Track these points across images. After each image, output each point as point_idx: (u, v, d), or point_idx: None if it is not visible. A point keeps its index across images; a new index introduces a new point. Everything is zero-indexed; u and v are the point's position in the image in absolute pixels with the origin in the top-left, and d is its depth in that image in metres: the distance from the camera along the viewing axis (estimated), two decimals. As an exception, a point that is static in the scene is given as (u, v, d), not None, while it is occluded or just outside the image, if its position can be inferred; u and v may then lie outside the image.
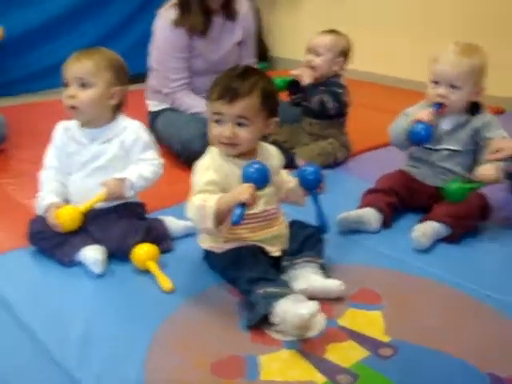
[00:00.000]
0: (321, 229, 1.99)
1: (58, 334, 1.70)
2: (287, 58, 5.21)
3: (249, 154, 1.90)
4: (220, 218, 1.74)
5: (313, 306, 1.63)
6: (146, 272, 1.98)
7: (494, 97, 3.32)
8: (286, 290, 1.74)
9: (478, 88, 2.30)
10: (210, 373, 1.55)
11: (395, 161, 2.55)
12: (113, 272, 2.02)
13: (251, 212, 1.84)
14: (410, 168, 2.45)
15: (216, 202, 1.74)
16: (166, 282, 1.91)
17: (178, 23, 3.00)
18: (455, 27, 4.08)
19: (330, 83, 2.95)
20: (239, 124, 1.84)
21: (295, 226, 2.03)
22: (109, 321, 1.78)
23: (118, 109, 2.16)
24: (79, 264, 2.02)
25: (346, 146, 3.03)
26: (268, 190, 1.87)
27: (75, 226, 2.03)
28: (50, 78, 3.86)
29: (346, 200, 2.43)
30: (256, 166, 1.75)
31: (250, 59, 3.27)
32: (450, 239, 2.20)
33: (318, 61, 2.94)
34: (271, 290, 1.73)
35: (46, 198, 2.08)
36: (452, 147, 2.34)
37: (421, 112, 2.30)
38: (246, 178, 1.74)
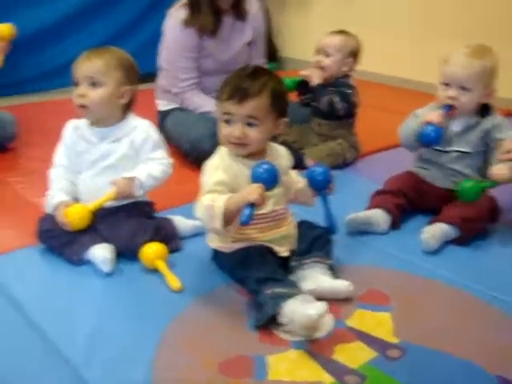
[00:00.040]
0: (329, 229, 1.99)
1: (66, 332, 1.71)
2: (296, 59, 5.21)
3: (258, 154, 1.90)
4: (228, 218, 1.74)
5: (321, 306, 1.63)
6: (155, 271, 1.99)
7: (505, 99, 3.30)
8: (294, 290, 1.74)
9: (488, 90, 2.30)
10: (218, 372, 1.55)
11: (404, 162, 2.54)
12: (121, 271, 2.02)
13: (260, 212, 1.84)
14: (419, 169, 2.45)
15: (225, 202, 1.74)
16: (174, 282, 1.92)
17: (187, 23, 3.00)
18: (466, 29, 4.06)
19: (339, 84, 2.95)
20: (249, 124, 1.84)
21: (304, 226, 2.03)
22: (117, 320, 1.78)
23: (127, 108, 2.16)
24: (88, 262, 2.03)
25: (355, 146, 3.03)
26: (277, 191, 1.87)
27: (84, 225, 2.04)
28: (61, 76, 3.88)
29: (355, 201, 2.43)
30: (265, 166, 1.75)
31: (259, 59, 3.27)
32: (458, 241, 2.20)
33: (327, 61, 2.94)
34: (279, 290, 1.73)
35: (55, 196, 2.08)
36: (462, 149, 2.34)
37: (431, 114, 2.29)
38: (255, 179, 1.74)
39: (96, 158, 2.11)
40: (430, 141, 2.29)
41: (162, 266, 1.98)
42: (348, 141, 2.98)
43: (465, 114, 2.32)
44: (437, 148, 2.36)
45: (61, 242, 2.05)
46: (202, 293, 1.90)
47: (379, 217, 2.28)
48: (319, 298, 1.72)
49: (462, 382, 1.55)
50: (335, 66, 2.94)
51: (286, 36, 5.45)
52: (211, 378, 1.54)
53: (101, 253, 2.00)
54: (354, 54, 2.97)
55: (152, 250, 2.00)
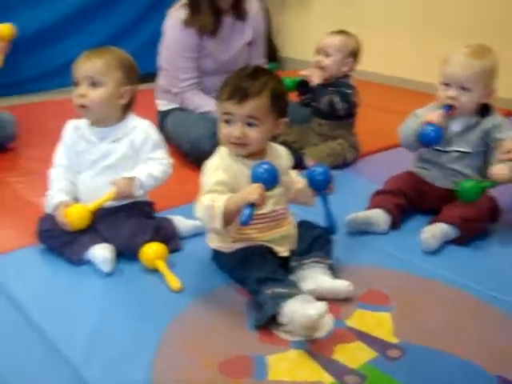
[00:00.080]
0: (329, 229, 1.99)
1: (66, 332, 1.71)
2: (296, 59, 5.21)
3: (258, 154, 1.90)
4: (228, 218, 1.74)
5: (321, 306, 1.63)
6: (155, 271, 1.99)
7: (505, 99, 3.30)
8: (294, 290, 1.74)
9: (488, 90, 2.30)
10: (218, 372, 1.55)
11: (404, 162, 2.54)
12: (121, 271, 2.02)
13: (260, 212, 1.84)
14: (419, 169, 2.45)
15: (225, 202, 1.74)
16: (174, 282, 1.92)
17: (187, 23, 3.01)
18: (466, 29, 4.06)
19: (339, 84, 2.95)
20: (249, 124, 1.84)
21: (303, 226, 2.03)
22: (117, 320, 1.78)
23: (127, 108, 2.16)
24: (88, 262, 2.03)
25: (355, 146, 3.03)
26: (277, 191, 1.87)
27: (84, 225, 2.03)
28: (61, 76, 3.88)
29: (355, 201, 2.43)
30: (265, 166, 1.75)
31: (259, 59, 3.27)
32: (458, 241, 2.20)
33: (327, 61, 2.94)
34: (279, 290, 1.73)
35: (55, 196, 2.08)
36: (462, 149, 2.34)
37: (431, 113, 2.29)
38: (255, 179, 1.73)
39: (96, 158, 2.11)
40: (429, 141, 2.29)
41: (162, 266, 1.98)
42: (348, 141, 2.98)
43: (465, 114, 2.32)
44: (437, 148, 2.36)
45: (61, 241, 2.05)
46: (202, 293, 1.90)
47: (379, 217, 2.28)
48: (319, 298, 1.72)
49: (461, 381, 1.55)
50: (335, 66, 2.94)
51: (285, 36, 5.45)
52: (211, 377, 1.54)
53: (101, 253, 2.00)
54: (354, 54, 2.97)
55: (152, 250, 2.00)
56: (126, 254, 2.06)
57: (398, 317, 1.79)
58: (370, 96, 3.45)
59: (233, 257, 1.92)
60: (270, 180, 1.74)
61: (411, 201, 2.38)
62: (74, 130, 2.15)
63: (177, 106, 3.15)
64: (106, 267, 1.98)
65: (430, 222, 2.23)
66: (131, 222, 2.09)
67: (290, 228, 1.99)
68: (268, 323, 1.70)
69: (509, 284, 1.97)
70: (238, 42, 3.16)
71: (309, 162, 2.80)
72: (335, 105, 2.89)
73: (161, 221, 2.18)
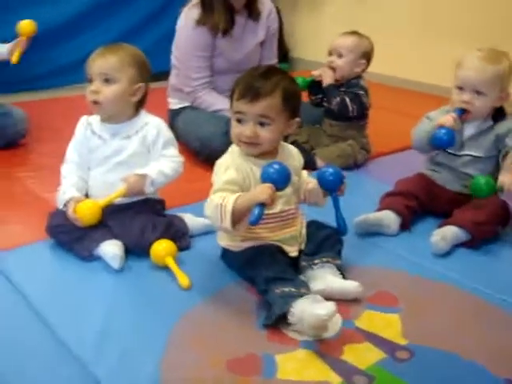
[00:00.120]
0: (340, 230, 1.98)
1: (75, 329, 1.71)
2: (308, 60, 5.21)
3: (269, 153, 1.90)
4: (238, 217, 1.74)
5: (330, 306, 1.62)
6: (164, 268, 1.99)
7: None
8: (303, 289, 1.74)
9: (502, 94, 2.29)
10: (226, 370, 1.55)
11: (415, 164, 2.54)
12: (131, 267, 2.02)
13: (270, 212, 1.84)
14: (430, 172, 2.44)
15: (234, 201, 1.73)
16: (183, 279, 1.92)
17: (200, 22, 3.01)
18: (479, 31, 4.05)
19: (351, 85, 2.95)
20: (261, 124, 1.84)
21: (313, 226, 2.03)
22: (126, 316, 1.78)
23: (139, 105, 2.17)
24: (98, 259, 2.03)
25: (366, 148, 3.02)
26: (287, 191, 1.86)
27: (95, 221, 2.04)
28: (74, 73, 3.88)
29: (365, 202, 2.42)
30: (276, 166, 1.74)
31: (271, 60, 3.28)
32: (469, 244, 2.19)
33: (339, 62, 2.94)
34: (289, 289, 1.73)
35: (66, 191, 2.09)
36: (474, 153, 2.33)
37: (444, 117, 2.28)
38: (266, 179, 1.73)
39: (107, 154, 2.12)
40: (442, 144, 2.27)
41: (171, 263, 1.98)
42: (359, 142, 2.98)
43: (478, 118, 2.31)
44: (449, 151, 2.35)
45: (71, 237, 2.06)
46: (210, 291, 1.90)
47: (389, 218, 2.27)
48: (328, 299, 1.72)
49: (470, 384, 1.55)
50: (347, 67, 2.94)
51: (297, 37, 5.45)
52: (219, 375, 1.54)
53: (110, 249, 2.01)
54: (367, 56, 2.96)
55: (162, 247, 2.00)
56: (136, 250, 2.07)
57: (406, 318, 1.78)
58: (381, 98, 3.45)
59: (242, 256, 1.92)
60: (280, 180, 1.73)
61: (422, 203, 2.37)
62: (87, 126, 2.16)
63: (188, 104, 3.16)
64: (115, 264, 1.98)
65: (441, 225, 2.23)
66: (141, 218, 2.09)
67: (299, 228, 1.99)
68: (277, 322, 1.70)
69: (518, 288, 1.97)
70: (250, 42, 3.16)
71: (319, 162, 2.80)
72: (346, 106, 2.89)
73: (171, 218, 2.18)
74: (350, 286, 1.86)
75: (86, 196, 2.13)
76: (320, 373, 1.55)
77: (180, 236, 2.13)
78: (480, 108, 2.28)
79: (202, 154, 2.88)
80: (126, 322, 1.76)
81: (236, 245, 1.95)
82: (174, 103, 3.23)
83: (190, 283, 1.91)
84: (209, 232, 2.18)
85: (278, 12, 3.57)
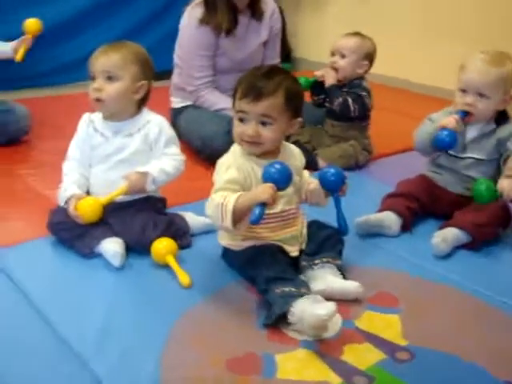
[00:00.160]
0: (341, 231, 1.98)
1: (76, 326, 1.71)
2: (311, 60, 5.20)
3: (271, 153, 1.90)
4: (239, 216, 1.74)
5: (331, 306, 1.63)
6: (164, 267, 1.99)
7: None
8: (304, 289, 1.74)
9: (506, 97, 2.28)
10: (225, 369, 1.55)
11: (417, 166, 2.54)
12: (131, 265, 2.02)
13: (271, 212, 1.84)
14: (432, 174, 2.44)
15: (235, 200, 1.73)
16: (184, 278, 1.92)
17: (203, 21, 3.01)
18: (481, 33, 4.04)
19: (353, 85, 2.95)
20: (263, 123, 1.84)
21: (314, 226, 2.03)
22: (127, 314, 1.79)
23: (142, 103, 2.17)
24: (99, 256, 2.03)
25: (368, 149, 3.02)
26: (289, 190, 1.86)
27: (96, 218, 2.04)
28: (77, 71, 3.89)
29: (367, 203, 2.42)
30: (277, 166, 1.74)
31: (274, 60, 3.28)
32: (469, 246, 2.19)
33: (341, 63, 2.93)
34: (289, 289, 1.73)
35: (67, 189, 2.09)
36: (476, 156, 2.33)
37: (446, 118, 2.28)
38: (267, 178, 1.73)
39: (109, 152, 2.12)
40: (444, 145, 2.27)
41: (172, 261, 1.98)
42: (360, 143, 2.98)
43: (481, 121, 2.31)
44: (452, 154, 2.35)
45: (72, 234, 2.06)
46: (211, 290, 1.91)
47: (391, 219, 2.27)
48: (328, 299, 1.72)
49: (470, 386, 1.55)
50: (349, 68, 2.94)
51: (300, 37, 5.44)
52: (219, 374, 1.54)
53: (111, 247, 2.01)
54: (370, 57, 2.96)
55: (163, 246, 2.00)
56: (137, 248, 2.07)
57: (406, 319, 1.78)
58: (383, 99, 3.45)
59: (242, 255, 1.92)
60: (281, 180, 1.73)
61: (423, 204, 2.37)
62: (89, 123, 2.16)
63: (190, 103, 3.16)
64: (116, 261, 1.99)
65: (441, 227, 2.23)
66: (142, 216, 2.09)
67: (300, 228, 1.99)
68: (277, 322, 1.70)
69: (519, 290, 1.97)
70: (253, 42, 3.16)
71: (321, 163, 2.80)
72: (348, 106, 2.89)
73: (172, 217, 2.18)
74: (351, 286, 1.86)
75: (88, 193, 2.13)
76: (320, 373, 1.55)
77: (181, 234, 2.13)
78: (483, 111, 2.28)
79: (204, 152, 2.88)
80: (126, 319, 1.76)
81: (237, 244, 1.95)
82: (177, 102, 3.23)
83: (191, 282, 1.91)
84: (210, 231, 2.18)
85: (281, 12, 3.57)
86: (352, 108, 2.90)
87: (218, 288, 1.92)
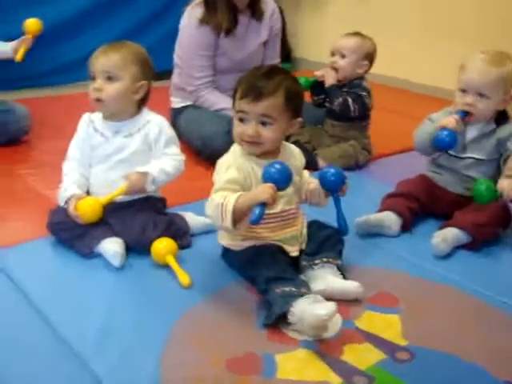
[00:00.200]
0: (341, 231, 1.98)
1: (76, 326, 1.71)
2: (310, 60, 5.20)
3: (271, 153, 1.90)
4: (238, 216, 1.74)
5: (331, 306, 1.63)
6: (164, 266, 1.99)
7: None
8: (304, 289, 1.74)
9: (506, 97, 2.28)
10: (225, 369, 1.55)
11: (417, 166, 2.54)
12: (131, 265, 2.02)
13: (270, 212, 1.84)
14: (432, 174, 2.43)
15: (235, 200, 1.73)
16: (184, 278, 1.92)
17: (203, 21, 3.01)
18: (482, 33, 4.04)
19: (353, 85, 2.95)
20: (263, 123, 1.84)
21: (314, 226, 2.03)
22: (127, 314, 1.79)
23: (141, 103, 2.17)
24: (98, 256, 2.03)
25: (368, 149, 3.02)
26: (289, 190, 1.86)
27: (96, 218, 2.04)
28: (77, 71, 3.90)
29: (367, 203, 2.42)
30: (277, 166, 1.74)
31: (274, 60, 3.28)
32: (469, 246, 2.19)
33: (341, 63, 2.93)
34: (289, 289, 1.72)
35: (67, 189, 2.09)
36: (476, 156, 2.32)
37: (446, 118, 2.27)
38: (267, 178, 1.73)
39: (109, 152, 2.12)
40: (444, 146, 2.27)
41: (172, 261, 1.98)
42: (360, 143, 2.98)
43: (481, 121, 2.31)
44: (452, 154, 2.35)
45: (72, 234, 2.06)
46: (211, 290, 1.91)
47: (391, 219, 2.27)
48: (328, 299, 1.72)
49: (470, 386, 1.55)
50: (349, 68, 2.94)
51: (300, 37, 5.44)
52: (219, 374, 1.54)
53: (111, 247, 2.01)
54: (370, 57, 2.96)
55: (163, 246, 2.00)
56: (137, 248, 2.07)
57: (407, 319, 1.79)
58: (383, 99, 3.45)
59: (242, 255, 1.92)
60: (281, 180, 1.73)
61: (423, 204, 2.37)
62: (89, 123, 2.16)
63: (190, 103, 3.16)
64: (116, 261, 1.99)
65: (442, 227, 2.23)
66: (142, 216, 2.09)
67: (300, 228, 1.99)
68: (277, 322, 1.70)
69: (518, 290, 1.97)
70: (253, 42, 3.16)
71: (321, 163, 2.80)
72: (348, 106, 2.89)
73: (172, 217, 2.18)
74: (351, 286, 1.86)
75: (88, 193, 2.13)
76: (320, 373, 1.55)
77: (181, 234, 2.13)
78: (483, 111, 2.27)
79: (204, 152, 2.88)
80: (126, 319, 1.76)
81: (237, 244, 1.95)
82: (177, 102, 3.23)
83: (191, 282, 1.91)
84: (209, 231, 2.18)
85: (281, 12, 3.57)
86: (352, 108, 2.90)
87: (218, 288, 1.92)
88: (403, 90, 4.59)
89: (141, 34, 4.40)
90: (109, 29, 4.46)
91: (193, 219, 2.22)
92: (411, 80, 4.60)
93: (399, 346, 1.66)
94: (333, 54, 2.97)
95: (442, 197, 2.38)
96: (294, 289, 1.72)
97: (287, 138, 2.03)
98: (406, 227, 2.31)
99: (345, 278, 1.91)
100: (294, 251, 1.94)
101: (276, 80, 1.85)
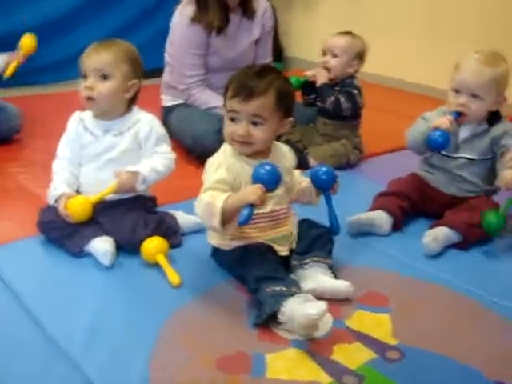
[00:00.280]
0: (332, 229, 1.98)
1: (65, 325, 1.71)
2: (302, 59, 5.20)
3: (262, 153, 1.90)
4: (227, 217, 1.74)
5: (321, 306, 1.62)
6: (155, 266, 1.98)
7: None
8: (294, 289, 1.73)
9: (499, 98, 2.28)
10: (215, 368, 1.55)
11: (408, 165, 2.53)
12: (121, 264, 2.02)
13: (260, 212, 1.84)
14: (424, 173, 2.43)
15: (224, 200, 1.73)
16: (174, 277, 1.91)
17: (195, 20, 3.00)
18: (476, 32, 4.03)
19: (345, 84, 2.95)
20: (254, 123, 1.83)
21: (305, 225, 2.02)
22: (116, 313, 1.78)
23: (131, 102, 2.16)
24: (88, 255, 2.03)
25: (359, 148, 3.02)
26: (279, 191, 1.86)
27: (86, 217, 2.03)
28: (67, 69, 3.88)
29: (358, 202, 2.42)
30: (267, 167, 1.74)
31: (266, 59, 3.27)
32: (460, 246, 2.19)
33: (333, 62, 2.94)
34: (280, 288, 1.72)
35: (57, 187, 2.08)
36: (469, 156, 2.32)
37: (439, 119, 2.27)
38: (256, 179, 1.72)
39: (99, 151, 2.11)
40: (436, 146, 2.26)
41: (162, 260, 1.97)
42: (351, 142, 2.98)
43: (473, 121, 2.31)
44: (444, 154, 2.35)
45: (62, 233, 2.05)
46: (201, 289, 1.90)
47: (382, 218, 2.27)
48: (319, 298, 1.72)
49: (460, 386, 1.55)
50: (341, 67, 2.94)
51: (291, 36, 5.43)
52: (208, 373, 1.54)
53: (101, 246, 2.00)
54: (360, 56, 2.96)
55: (153, 245, 1.99)
56: (127, 247, 2.06)
57: (397, 319, 1.78)
58: (375, 98, 3.45)
59: (232, 254, 1.92)
60: (271, 181, 1.72)
61: (414, 204, 2.37)
62: (79, 122, 2.15)
63: (182, 101, 3.15)
64: (106, 260, 1.98)
65: (432, 226, 2.23)
66: (133, 215, 2.09)
67: (291, 228, 1.99)
68: (267, 321, 1.70)
69: (509, 289, 1.96)
70: (244, 40, 3.16)
71: (312, 162, 2.80)
72: (341, 104, 2.89)
73: (163, 215, 2.18)
74: (341, 285, 1.86)
75: (78, 192, 2.12)
76: (310, 372, 1.55)
77: (171, 233, 2.13)
78: (476, 112, 2.27)
79: (195, 151, 2.88)
80: (116, 319, 1.75)
81: (226, 243, 1.95)
82: (168, 100, 3.22)
83: (181, 281, 1.91)
84: (200, 230, 2.16)
85: (273, 10, 3.56)
86: (344, 106, 2.90)
87: (208, 287, 1.91)
88: (395, 89, 4.58)
89: (132, 31, 4.40)
90: (100, 26, 4.44)
91: (183, 218, 2.22)
92: (406, 80, 4.60)
93: (389, 346, 1.66)
94: (324, 53, 2.97)
95: (434, 197, 2.38)
96: (284, 288, 1.72)
97: (278, 137, 2.03)
98: (397, 226, 2.31)
99: (335, 277, 1.91)
100: (283, 251, 1.94)
101: (267, 79, 1.84)
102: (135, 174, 2.06)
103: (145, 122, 2.12)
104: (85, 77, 2.07)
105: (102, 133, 2.12)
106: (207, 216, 1.76)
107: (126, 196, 2.11)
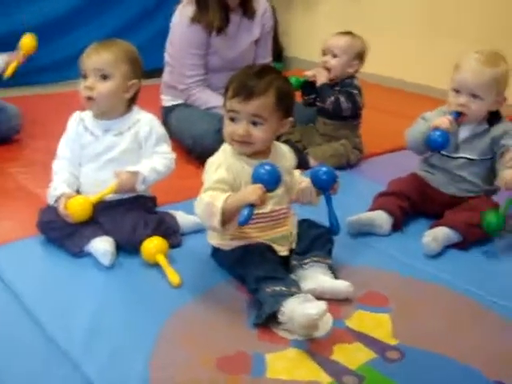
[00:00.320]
0: (332, 229, 1.98)
1: (65, 325, 1.70)
2: (302, 59, 5.20)
3: (262, 153, 1.90)
4: (227, 217, 1.74)
5: (321, 306, 1.62)
6: (155, 266, 1.98)
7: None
8: (294, 289, 1.73)
9: (499, 98, 2.28)
10: (215, 368, 1.55)
11: (408, 165, 2.53)
12: (121, 264, 2.02)
13: (260, 211, 1.84)
14: (424, 173, 2.43)
15: (224, 200, 1.73)
16: (174, 277, 1.91)
17: (195, 19, 3.00)
18: (477, 32, 4.03)
19: (345, 84, 2.95)
20: (254, 123, 1.83)
21: (304, 225, 2.02)
22: (116, 313, 1.78)
23: (131, 102, 2.16)
24: (88, 255, 2.03)
25: (359, 148, 3.02)
26: (279, 191, 1.86)
27: (86, 217, 2.03)
28: (67, 69, 3.87)
29: (358, 202, 2.42)
30: (267, 167, 1.74)
31: (266, 59, 3.27)
32: (460, 246, 2.19)
33: (333, 62, 2.94)
34: (280, 288, 1.72)
35: (57, 187, 2.08)
36: (469, 156, 2.32)
37: (439, 119, 2.27)
38: (256, 179, 1.72)
39: (99, 151, 2.11)
40: (436, 146, 2.26)
41: (162, 260, 1.97)
42: (351, 142, 2.98)
43: (473, 121, 2.31)
44: (444, 154, 2.35)
45: (62, 233, 2.05)
46: (201, 289, 1.90)
47: (382, 219, 2.27)
48: (319, 298, 1.72)
49: (460, 386, 1.55)
50: (340, 68, 2.94)
51: (291, 36, 5.43)
52: (208, 373, 1.54)
53: (101, 246, 2.00)
54: (360, 56, 2.96)
55: (153, 245, 1.99)
56: (127, 247, 2.06)
57: (397, 319, 1.78)
58: (375, 98, 3.45)
59: (232, 254, 1.92)
60: (271, 181, 1.72)
61: (414, 204, 2.37)
62: (79, 121, 2.15)
63: (181, 101, 3.15)
64: (106, 260, 1.98)
65: (432, 226, 2.23)
66: (133, 215, 2.09)
67: (291, 228, 1.98)
68: (267, 321, 1.70)
69: (509, 289, 1.96)
70: (244, 40, 3.15)
71: (312, 162, 2.80)
72: (341, 104, 2.89)
73: (162, 215, 2.18)
74: (341, 285, 1.86)
75: (78, 192, 2.12)
76: (310, 372, 1.55)
77: (171, 233, 2.13)
78: (476, 112, 2.27)
79: (195, 151, 2.88)
80: (116, 319, 1.75)
81: (226, 243, 1.95)
82: (168, 100, 3.22)
83: (181, 281, 1.91)
84: (200, 230, 2.16)
85: (273, 10, 3.56)
86: (344, 106, 2.90)
87: (208, 287, 1.91)
88: (395, 89, 4.58)
89: (132, 31, 4.40)
90: (100, 26, 4.44)
91: (183, 218, 2.22)
92: (406, 80, 4.59)
93: (389, 346, 1.66)
94: (324, 53, 2.97)
95: (434, 197, 2.38)
96: (284, 288, 1.72)
97: (278, 137, 2.02)
98: (397, 226, 2.30)
99: (335, 277, 1.91)
100: (283, 251, 1.94)
101: (267, 79, 1.84)
102: (135, 174, 2.06)
103: (145, 122, 2.12)
104: (85, 77, 2.07)
105: (102, 133, 2.12)
106: (207, 216, 1.76)
107: (126, 196, 2.11)
